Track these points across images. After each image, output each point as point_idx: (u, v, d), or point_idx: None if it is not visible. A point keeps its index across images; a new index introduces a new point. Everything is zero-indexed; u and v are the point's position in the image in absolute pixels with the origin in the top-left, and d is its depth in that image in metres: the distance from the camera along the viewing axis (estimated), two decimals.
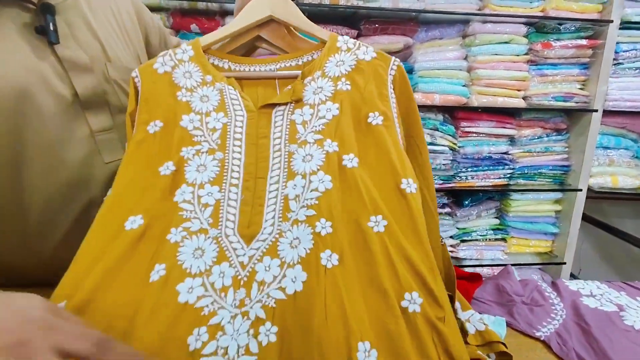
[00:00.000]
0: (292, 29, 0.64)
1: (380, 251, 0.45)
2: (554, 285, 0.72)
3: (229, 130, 0.54)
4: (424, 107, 1.29)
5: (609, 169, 1.42)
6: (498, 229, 1.45)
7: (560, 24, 1.26)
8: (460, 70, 1.29)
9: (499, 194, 1.45)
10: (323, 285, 0.43)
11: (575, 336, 0.58)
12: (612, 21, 1.24)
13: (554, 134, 1.40)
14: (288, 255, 0.47)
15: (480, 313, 0.61)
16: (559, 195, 1.44)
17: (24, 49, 0.56)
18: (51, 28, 0.57)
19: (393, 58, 0.58)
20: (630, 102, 1.35)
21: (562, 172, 1.42)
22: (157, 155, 0.53)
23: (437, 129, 1.30)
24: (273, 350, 0.41)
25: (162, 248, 0.47)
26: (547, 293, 0.69)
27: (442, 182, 1.34)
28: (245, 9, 0.62)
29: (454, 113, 1.35)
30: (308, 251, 0.46)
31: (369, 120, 0.55)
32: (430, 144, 1.29)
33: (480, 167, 1.37)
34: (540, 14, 1.26)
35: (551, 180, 1.42)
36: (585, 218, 1.63)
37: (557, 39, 1.28)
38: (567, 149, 1.41)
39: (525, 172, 1.40)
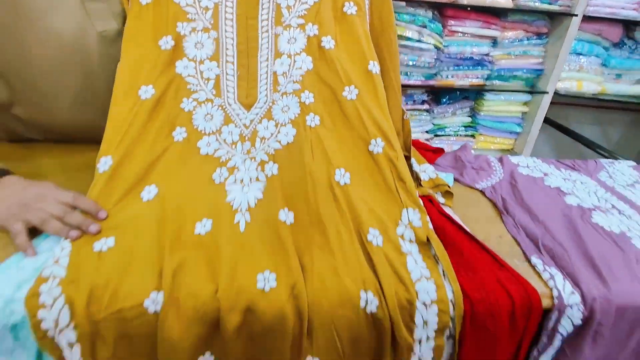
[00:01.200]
0: None
1: (352, 114, 0.60)
2: (500, 159, 0.89)
3: (220, 10, 0.61)
4: (414, 3, 1.32)
5: (577, 74, 1.53)
6: (469, 126, 1.61)
7: None
8: None
9: (474, 94, 1.57)
10: (309, 137, 0.58)
11: (505, 188, 0.77)
12: None
13: (535, 37, 1.47)
14: (281, 118, 0.60)
15: None
16: (528, 97, 1.57)
17: None
18: None
19: None
20: (610, 9, 1.41)
21: (535, 75, 1.53)
22: (154, 27, 0.60)
23: (425, 26, 1.35)
24: (276, 179, 0.57)
25: (178, 115, 0.59)
26: (493, 163, 0.87)
27: (424, 79, 1.44)
28: None
29: (443, 10, 1.39)
30: (296, 115, 0.60)
31: (345, 9, 0.63)
32: (418, 41, 1.36)
33: (461, 67, 1.46)
34: None
35: (524, 82, 1.54)
36: (548, 122, 1.80)
37: None
38: (543, 53, 1.50)
39: (502, 74, 1.50)
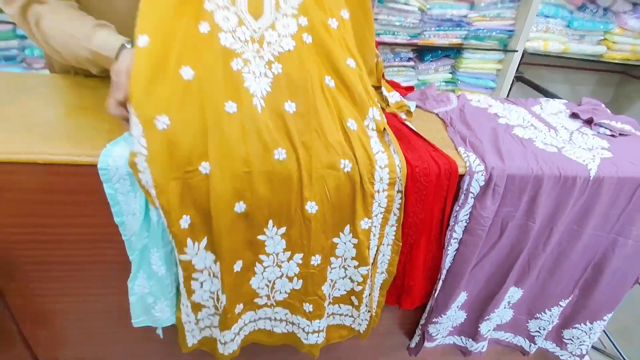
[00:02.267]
0: None
1: (336, 37, 0.81)
2: (459, 96, 1.15)
3: None
4: None
5: (544, 34, 1.76)
6: (450, 82, 1.85)
7: None
8: None
9: (455, 53, 1.80)
10: (305, 48, 0.78)
11: (455, 113, 1.04)
12: None
13: (507, 0, 1.69)
14: (282, 31, 0.78)
15: None
16: (502, 56, 1.81)
17: None
18: None
19: None
20: None
21: (508, 35, 1.76)
22: None
23: None
24: (281, 77, 0.77)
25: (203, 13, 0.74)
26: (452, 98, 1.13)
27: (409, 38, 1.68)
28: None
29: None
30: (295, 32, 0.79)
31: None
32: (404, 3, 1.59)
33: (442, 28, 1.69)
34: None
35: (498, 42, 1.77)
36: (523, 80, 2.04)
37: None
38: (515, 15, 1.72)
39: (478, 34, 1.74)
